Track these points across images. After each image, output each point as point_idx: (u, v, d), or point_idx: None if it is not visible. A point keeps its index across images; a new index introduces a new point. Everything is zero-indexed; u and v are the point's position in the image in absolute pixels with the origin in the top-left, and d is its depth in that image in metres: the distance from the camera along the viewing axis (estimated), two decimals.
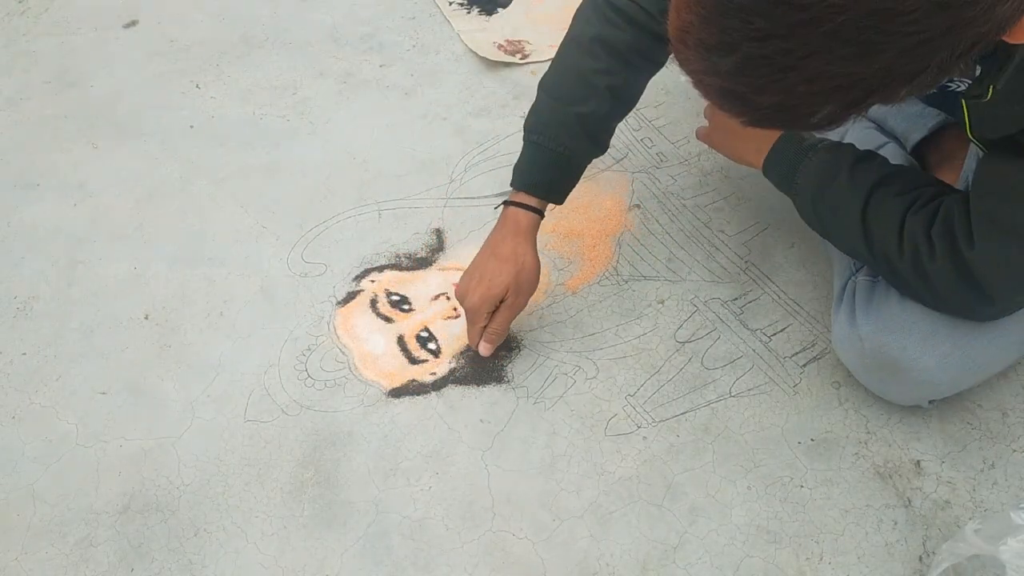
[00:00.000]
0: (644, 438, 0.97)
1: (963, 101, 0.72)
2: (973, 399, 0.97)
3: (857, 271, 0.95)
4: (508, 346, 1.06)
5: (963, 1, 0.46)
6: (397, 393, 1.03)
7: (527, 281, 0.99)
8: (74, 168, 1.32)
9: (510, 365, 1.04)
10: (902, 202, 0.84)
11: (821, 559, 0.87)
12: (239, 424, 1.01)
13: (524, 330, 1.07)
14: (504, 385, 1.03)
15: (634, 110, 1.04)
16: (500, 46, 1.46)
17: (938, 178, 0.93)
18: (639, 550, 0.89)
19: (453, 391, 1.02)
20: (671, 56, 0.56)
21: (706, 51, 0.52)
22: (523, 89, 1.38)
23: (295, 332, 1.09)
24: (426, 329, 1.08)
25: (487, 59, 1.44)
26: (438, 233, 1.19)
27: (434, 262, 1.16)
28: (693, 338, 1.05)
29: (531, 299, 1.01)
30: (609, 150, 1.03)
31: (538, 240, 1.00)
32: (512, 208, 0.99)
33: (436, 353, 1.06)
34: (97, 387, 1.05)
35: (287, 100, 1.41)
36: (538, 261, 1.00)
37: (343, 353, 1.07)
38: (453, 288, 1.04)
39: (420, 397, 1.02)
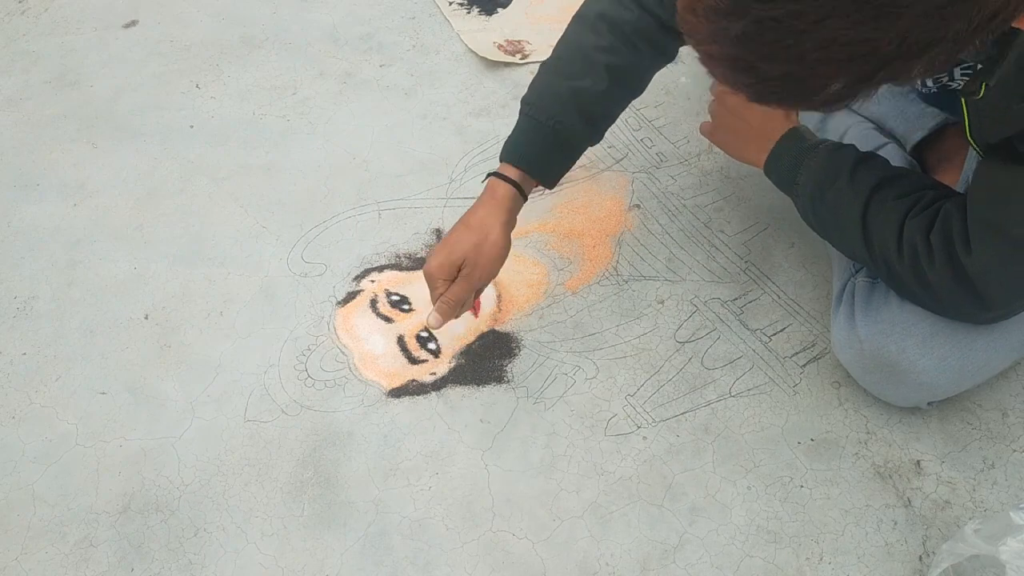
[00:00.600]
0: (644, 438, 0.97)
1: (963, 101, 0.72)
2: (973, 399, 0.97)
3: (856, 272, 0.95)
4: (508, 346, 1.06)
5: None
6: (397, 393, 1.03)
7: (487, 255, 0.92)
8: (74, 168, 1.32)
9: (510, 365, 1.04)
10: (902, 205, 0.84)
11: (821, 559, 0.87)
12: (239, 424, 1.01)
13: (524, 330, 1.07)
14: (504, 385, 1.03)
15: (634, 110, 1.04)
16: (500, 46, 1.46)
17: (938, 180, 0.93)
18: (639, 550, 0.89)
19: (453, 391, 1.02)
20: (675, 56, 0.56)
21: (716, 15, 0.51)
22: (523, 89, 1.35)
23: (295, 332, 1.09)
24: (426, 329, 1.08)
25: (487, 59, 1.43)
26: (438, 233, 1.19)
27: None
28: (693, 338, 1.05)
29: (529, 300, 1.01)
30: (609, 150, 1.03)
31: (538, 240, 1.00)
32: (493, 179, 0.95)
33: (436, 353, 1.06)
34: (97, 387, 1.05)
35: (287, 100, 1.41)
36: (507, 238, 0.94)
37: (343, 353, 1.07)
38: None
39: (420, 397, 1.02)
